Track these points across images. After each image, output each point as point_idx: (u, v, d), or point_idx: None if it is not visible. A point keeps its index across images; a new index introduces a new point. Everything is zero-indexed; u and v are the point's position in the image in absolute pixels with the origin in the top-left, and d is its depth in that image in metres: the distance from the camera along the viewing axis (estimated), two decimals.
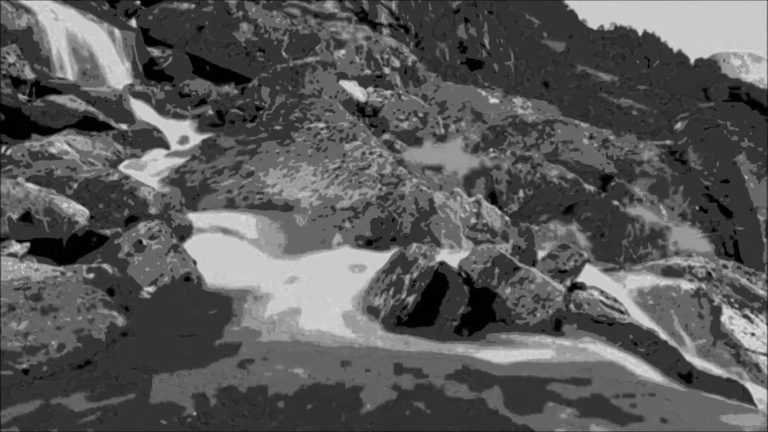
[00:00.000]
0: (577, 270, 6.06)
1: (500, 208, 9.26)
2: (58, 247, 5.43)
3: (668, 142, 14.95)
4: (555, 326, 5.31)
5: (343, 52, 16.50)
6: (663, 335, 5.82)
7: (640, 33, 51.71)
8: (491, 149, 12.47)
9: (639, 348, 5.21)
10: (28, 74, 10.17)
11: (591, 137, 13.39)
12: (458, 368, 4.23)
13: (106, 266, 4.80)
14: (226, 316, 4.96)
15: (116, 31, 14.11)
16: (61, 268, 4.63)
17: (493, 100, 15.13)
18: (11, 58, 10.06)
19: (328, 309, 5.30)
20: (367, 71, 16.27)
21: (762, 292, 8.39)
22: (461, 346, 4.82)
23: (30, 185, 5.66)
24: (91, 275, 4.61)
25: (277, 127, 8.85)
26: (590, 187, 11.63)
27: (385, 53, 17.15)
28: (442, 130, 13.57)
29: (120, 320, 4.31)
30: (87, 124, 9.74)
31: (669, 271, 8.06)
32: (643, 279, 7.51)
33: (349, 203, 7.46)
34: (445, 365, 4.29)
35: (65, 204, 5.59)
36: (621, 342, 5.25)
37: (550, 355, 4.81)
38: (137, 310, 4.69)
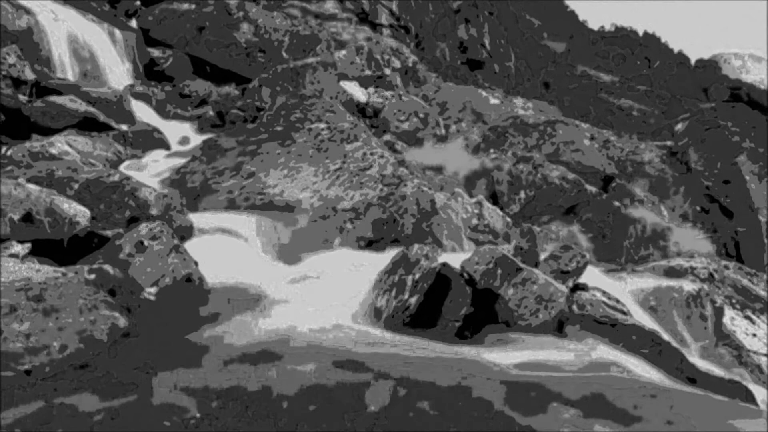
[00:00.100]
0: (579, 271, 6.05)
1: (501, 208, 9.25)
2: (59, 247, 5.41)
3: (669, 142, 14.92)
4: (557, 327, 5.30)
5: (343, 52, 16.48)
6: (665, 336, 5.81)
7: (640, 33, 51.70)
8: (492, 150, 12.45)
9: (642, 349, 5.20)
10: (29, 75, 10.16)
11: (592, 138, 13.36)
12: (461, 369, 4.22)
13: (107, 267, 4.78)
14: (227, 317, 4.95)
15: (117, 32, 14.11)
16: (62, 269, 4.62)
17: (493, 101, 15.13)
18: (11, 59, 10.06)
19: (330, 310, 5.29)
20: (368, 72, 16.25)
21: (763, 293, 8.39)
22: (463, 347, 4.81)
23: (31, 186, 5.65)
24: (93, 276, 4.59)
25: (278, 128, 8.84)
26: (591, 188, 11.62)
27: (386, 54, 17.15)
28: (443, 131, 13.56)
29: (122, 321, 4.30)
30: (87, 125, 9.73)
31: (671, 272, 8.05)
32: (645, 280, 7.50)
33: (350, 204, 7.45)
34: (448, 366, 4.28)
35: (66, 205, 5.58)
36: (624, 343, 5.24)
37: (553, 356, 4.80)
38: (139, 311, 4.68)
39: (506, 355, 4.71)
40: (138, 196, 6.61)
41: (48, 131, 9.30)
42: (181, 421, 3.23)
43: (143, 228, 5.51)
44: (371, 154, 8.20)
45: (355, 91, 14.18)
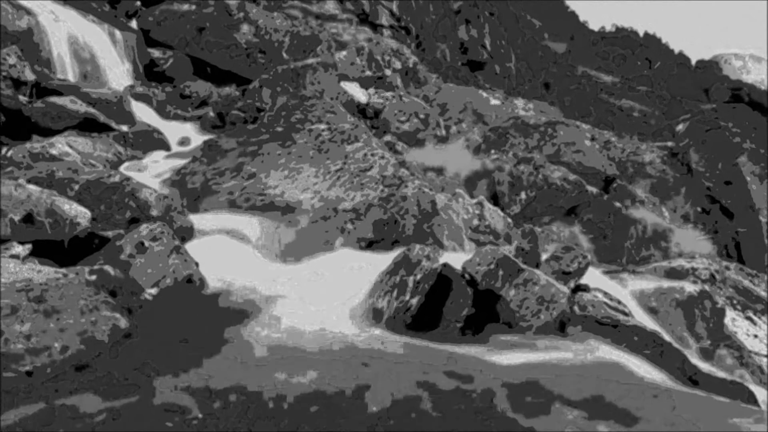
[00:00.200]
0: (580, 272, 6.05)
1: (502, 209, 9.23)
2: (59, 248, 5.41)
3: (670, 143, 14.92)
4: (559, 328, 5.30)
5: (344, 53, 16.47)
6: (667, 337, 5.80)
7: (641, 34, 51.72)
8: (493, 151, 12.44)
9: (644, 350, 5.20)
10: (29, 75, 10.16)
11: (592, 139, 13.35)
12: (463, 370, 4.21)
13: (108, 268, 4.78)
14: (228, 317, 4.95)
15: (117, 33, 14.10)
16: (63, 270, 4.61)
17: (494, 102, 15.11)
18: (12, 60, 10.05)
19: (331, 311, 5.29)
20: (368, 73, 16.24)
21: (764, 294, 8.39)
22: (465, 347, 4.81)
23: (32, 187, 5.64)
24: (94, 277, 4.59)
25: (279, 129, 8.83)
26: (592, 189, 11.61)
27: (386, 55, 17.13)
28: (444, 132, 13.54)
29: (123, 322, 4.29)
30: (88, 126, 9.72)
31: (672, 273, 8.05)
32: (646, 281, 7.49)
33: (351, 205, 7.43)
34: (450, 367, 4.28)
35: (67, 206, 5.57)
36: (626, 344, 5.23)
37: (555, 356, 4.80)
38: (140, 311, 4.67)
39: (508, 356, 4.70)
40: (138, 197, 6.60)
41: (48, 132, 9.29)
42: (183, 422, 3.22)
43: (144, 229, 5.51)
44: (372, 154, 8.19)
45: (356, 91, 14.17)
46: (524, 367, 4.49)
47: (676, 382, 5.01)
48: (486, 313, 5.25)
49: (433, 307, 5.14)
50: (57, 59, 12.26)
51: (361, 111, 13.46)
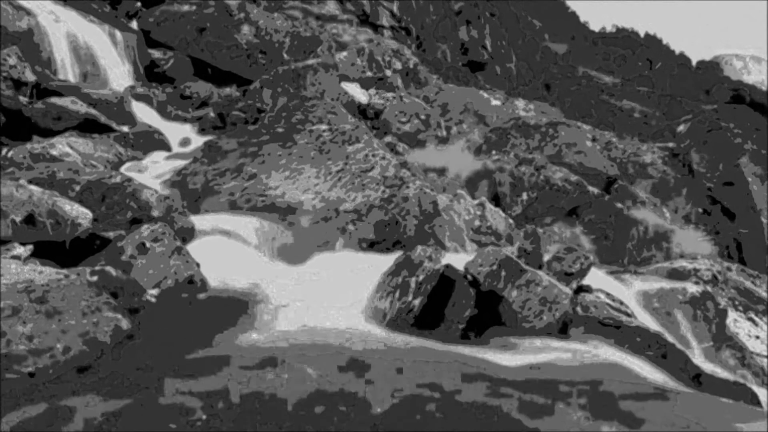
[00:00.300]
0: (583, 273, 6.04)
1: (503, 210, 9.22)
2: (61, 249, 5.40)
3: (671, 144, 14.93)
4: (561, 329, 5.29)
5: (344, 54, 16.48)
6: (669, 338, 5.80)
7: (641, 34, 51.76)
8: (494, 151, 12.44)
9: (646, 351, 5.19)
10: (29, 76, 10.15)
11: (593, 139, 13.36)
12: (466, 371, 4.20)
13: (109, 269, 4.76)
14: (230, 318, 4.93)
15: (117, 33, 14.09)
16: (64, 271, 4.60)
17: (495, 102, 15.12)
18: (12, 60, 10.04)
19: (334, 311, 5.27)
20: (369, 73, 16.25)
21: (765, 295, 8.39)
22: (468, 349, 4.80)
23: (33, 187, 5.63)
24: (95, 278, 4.57)
25: (279, 130, 8.82)
26: (594, 190, 11.61)
27: (387, 55, 17.13)
28: (444, 133, 13.54)
29: (125, 323, 4.28)
30: (88, 127, 9.71)
31: (674, 274, 8.05)
32: (648, 282, 7.49)
33: (352, 205, 7.43)
34: (453, 368, 4.27)
35: (68, 206, 5.56)
36: (628, 345, 5.23)
37: (558, 357, 4.79)
38: (142, 312, 4.66)
39: (511, 357, 4.70)
40: (139, 197, 6.59)
41: (49, 133, 9.28)
42: (187, 423, 3.21)
43: (145, 230, 5.50)
44: (373, 155, 8.18)
45: (356, 92, 14.17)
46: (527, 368, 4.48)
47: (679, 382, 5.01)
48: (488, 314, 5.25)
49: (436, 308, 5.13)
50: (57, 60, 12.26)
51: (362, 112, 13.47)
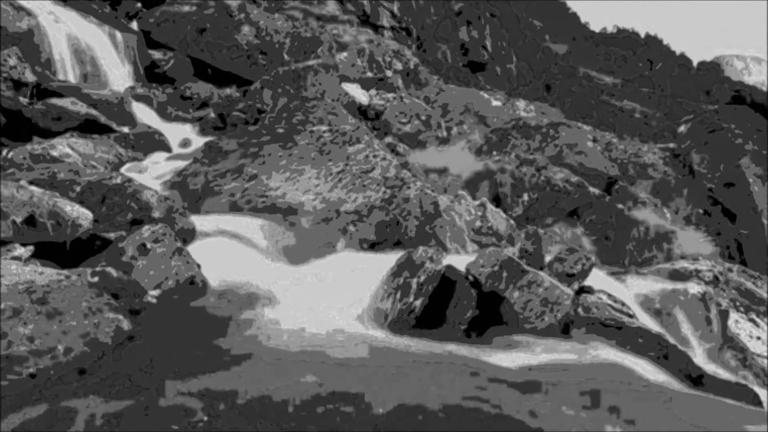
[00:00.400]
0: (584, 273, 6.03)
1: (504, 211, 9.22)
2: (61, 250, 5.39)
3: (671, 145, 14.94)
4: (563, 330, 5.29)
5: (345, 54, 16.48)
6: (670, 339, 5.79)
7: (642, 35, 51.78)
8: (495, 152, 12.44)
9: (648, 351, 5.19)
10: (29, 77, 10.14)
11: (594, 140, 13.36)
12: (468, 372, 4.20)
13: (110, 270, 4.75)
14: (231, 319, 4.92)
15: (117, 34, 14.09)
16: (65, 272, 4.59)
17: (495, 103, 15.11)
18: (12, 61, 10.03)
19: (335, 312, 5.27)
20: (369, 74, 16.25)
21: (766, 296, 8.37)
22: (470, 349, 4.79)
23: (34, 188, 5.62)
24: (96, 279, 4.56)
25: (280, 130, 8.81)
26: (594, 190, 11.61)
27: (387, 56, 17.12)
28: (445, 133, 13.54)
29: (126, 324, 4.27)
30: (88, 127, 9.71)
31: (675, 275, 8.03)
32: (650, 282, 7.48)
33: (353, 206, 7.42)
34: (455, 369, 4.27)
35: (69, 207, 5.55)
36: (630, 346, 5.22)
37: (560, 358, 4.79)
38: (143, 313, 4.65)
39: (513, 358, 4.69)
40: (140, 198, 6.57)
41: (49, 133, 9.27)
42: (189, 424, 3.20)
43: (146, 231, 5.49)
44: (374, 156, 8.17)
45: (357, 93, 14.16)
46: (528, 369, 4.48)
47: (681, 383, 5.00)
48: (490, 314, 5.24)
49: (437, 308, 5.12)
50: (58, 61, 12.25)
51: (363, 112, 13.46)
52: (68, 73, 12.26)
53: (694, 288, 7.17)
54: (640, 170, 13.43)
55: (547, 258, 6.37)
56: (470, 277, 5.35)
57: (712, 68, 47.46)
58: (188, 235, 6.49)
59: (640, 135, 19.95)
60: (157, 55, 15.19)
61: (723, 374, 6.17)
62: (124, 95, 11.75)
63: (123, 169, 8.92)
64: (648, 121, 29.95)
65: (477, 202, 8.25)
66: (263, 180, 7.95)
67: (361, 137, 8.58)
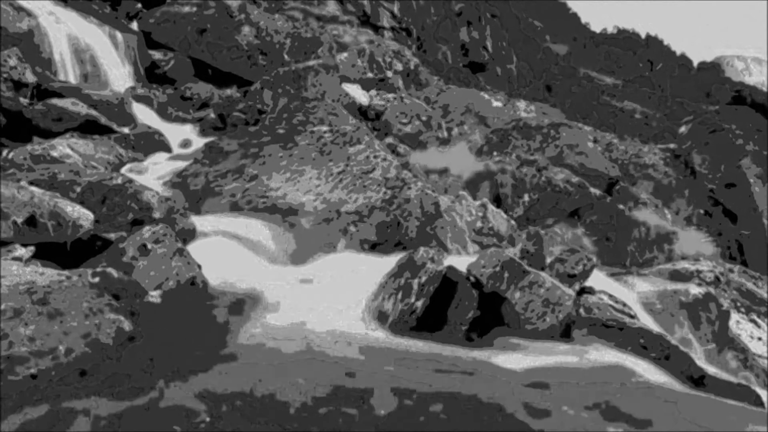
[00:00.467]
0: (585, 274, 6.02)
1: (505, 212, 9.21)
2: (62, 251, 5.38)
3: (672, 145, 14.93)
4: (565, 331, 5.28)
5: (345, 55, 16.47)
6: (672, 340, 5.78)
7: (642, 35, 51.79)
8: (495, 153, 12.44)
9: (650, 353, 5.18)
10: (30, 77, 10.13)
11: (595, 141, 13.36)
12: (470, 373, 4.20)
13: (111, 270, 4.75)
14: (233, 321, 4.92)
15: (118, 34, 14.07)
16: (66, 272, 4.58)
17: (496, 104, 15.10)
18: (12, 61, 10.03)
19: (336, 313, 5.26)
20: (370, 74, 16.24)
21: (767, 296, 8.38)
22: (471, 350, 4.79)
23: (34, 189, 5.62)
24: (97, 279, 4.55)
25: (280, 131, 8.80)
26: (595, 191, 11.61)
27: (388, 56, 17.12)
28: (446, 134, 13.53)
29: (127, 325, 4.26)
30: (89, 128, 9.70)
31: (676, 276, 8.04)
32: (651, 283, 7.48)
33: (353, 207, 7.42)
34: (456, 370, 4.26)
35: (70, 208, 5.55)
36: (631, 346, 5.21)
37: (562, 359, 4.78)
38: (144, 314, 4.64)
39: (514, 359, 4.69)
40: (141, 199, 6.57)
41: (49, 134, 9.27)
42: (192, 425, 3.20)
43: (146, 231, 5.48)
44: (374, 156, 8.16)
45: (357, 93, 14.15)
46: (530, 370, 4.47)
47: (683, 384, 4.99)
48: (491, 315, 5.24)
49: (438, 309, 5.12)
50: (58, 61, 12.24)
51: (363, 113, 13.45)
52: (68, 73, 12.26)
53: (695, 289, 7.16)
54: (640, 171, 13.43)
55: (548, 259, 6.37)
56: (471, 278, 5.34)
57: (713, 69, 47.48)
58: (189, 235, 6.49)
59: (641, 135, 19.96)
60: (157, 55, 15.17)
61: (724, 375, 6.16)
62: (124, 96, 11.74)
63: (123, 170, 8.91)
64: (648, 122, 29.96)
65: (478, 203, 8.24)
66: (264, 180, 7.95)
67: (361, 138, 8.57)
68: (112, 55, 13.59)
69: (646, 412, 3.84)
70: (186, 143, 11.15)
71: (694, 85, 42.58)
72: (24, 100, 9.62)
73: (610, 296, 5.96)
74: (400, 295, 5.23)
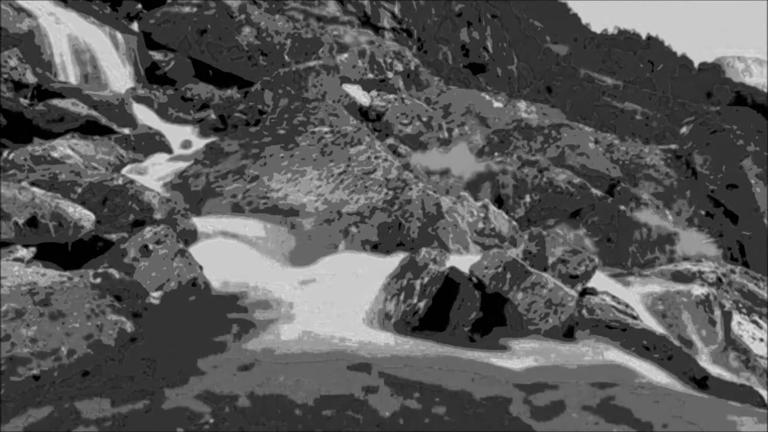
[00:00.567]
0: (588, 275, 6.02)
1: (506, 212, 9.19)
2: (63, 251, 5.38)
3: (673, 146, 14.93)
4: (567, 332, 5.27)
5: (345, 56, 16.45)
6: (674, 341, 5.78)
7: (643, 36, 51.76)
8: (496, 153, 12.43)
9: (653, 353, 5.17)
10: (30, 78, 10.13)
11: (596, 141, 13.36)
12: (472, 374, 4.19)
13: (112, 271, 4.74)
14: (234, 321, 4.91)
15: (118, 35, 14.08)
16: (68, 273, 4.58)
17: (497, 104, 15.08)
18: (13, 62, 10.02)
19: (337, 314, 5.25)
20: (370, 75, 16.22)
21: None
22: (473, 351, 4.78)
23: (36, 189, 5.61)
24: (98, 280, 4.55)
25: (281, 132, 8.79)
26: (597, 192, 11.59)
27: (388, 57, 17.09)
28: (446, 135, 13.52)
29: (129, 326, 4.26)
30: (89, 129, 9.69)
31: (678, 276, 8.02)
32: (653, 284, 7.47)
33: (355, 208, 7.41)
34: (459, 370, 4.25)
35: (71, 208, 5.54)
36: (634, 347, 5.21)
37: (564, 360, 4.77)
38: (145, 315, 4.63)
39: (517, 360, 4.68)
40: (142, 199, 6.57)
41: (50, 135, 9.26)
42: (193, 425, 3.19)
43: (148, 232, 5.48)
44: (375, 157, 8.15)
45: (358, 94, 14.14)
46: (533, 371, 4.47)
47: (685, 385, 4.99)
48: (494, 316, 5.22)
49: (441, 310, 5.11)
50: (58, 62, 12.24)
51: (364, 114, 13.43)
52: (69, 74, 12.25)
53: (697, 290, 7.15)
54: (641, 172, 13.42)
55: (551, 260, 6.35)
56: (474, 279, 5.33)
57: (714, 69, 47.47)
58: (190, 236, 6.48)
59: (642, 136, 19.95)
60: (157, 56, 15.15)
61: (726, 376, 6.15)
62: (124, 96, 11.73)
63: (124, 171, 8.90)
64: (649, 123, 29.93)
65: (479, 204, 8.22)
66: (264, 181, 7.94)
67: (362, 138, 8.56)
68: (112, 55, 13.59)
69: (649, 413, 3.83)
70: (186, 144, 11.14)
71: (695, 86, 42.57)
72: (24, 101, 9.62)
73: (613, 297, 5.95)
74: (402, 296, 5.22)
